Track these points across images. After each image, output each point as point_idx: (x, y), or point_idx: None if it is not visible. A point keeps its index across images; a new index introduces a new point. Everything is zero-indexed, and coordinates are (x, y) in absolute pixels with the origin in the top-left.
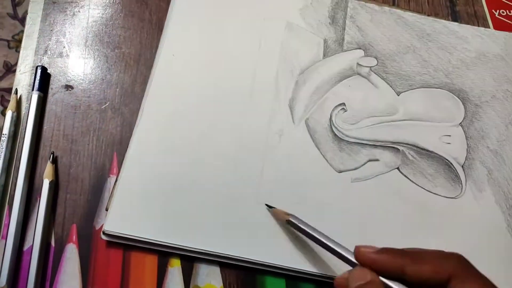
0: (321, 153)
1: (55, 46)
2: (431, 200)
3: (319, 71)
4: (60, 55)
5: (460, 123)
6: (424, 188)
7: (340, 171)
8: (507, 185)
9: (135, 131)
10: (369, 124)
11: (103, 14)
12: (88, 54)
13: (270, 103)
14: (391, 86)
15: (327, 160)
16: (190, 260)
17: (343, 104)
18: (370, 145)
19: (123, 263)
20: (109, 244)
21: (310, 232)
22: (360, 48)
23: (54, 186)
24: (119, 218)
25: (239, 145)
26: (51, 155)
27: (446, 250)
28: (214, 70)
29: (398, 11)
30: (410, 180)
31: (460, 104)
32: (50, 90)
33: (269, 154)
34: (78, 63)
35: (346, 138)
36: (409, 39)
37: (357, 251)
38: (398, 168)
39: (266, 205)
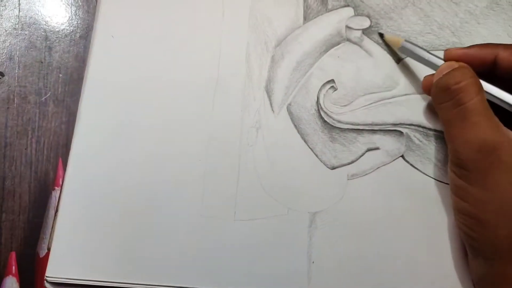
0: (308, 147)
1: None
2: (443, 192)
3: (299, 40)
4: None
5: None
6: (435, 178)
7: (334, 167)
8: None
9: (73, 143)
10: (365, 103)
11: None
12: (21, 30)
13: (241, 89)
14: (388, 53)
15: (316, 155)
16: None
17: (332, 81)
18: (367, 130)
19: None
20: None
21: (424, 56)
22: (348, 6)
23: None
24: (63, 260)
25: (205, 149)
26: None
27: None
28: (166, 53)
29: None
30: (417, 169)
31: None
32: None
33: (245, 155)
34: (8, 41)
35: (338, 125)
36: None
37: (447, 52)
38: (402, 156)
39: (379, 33)
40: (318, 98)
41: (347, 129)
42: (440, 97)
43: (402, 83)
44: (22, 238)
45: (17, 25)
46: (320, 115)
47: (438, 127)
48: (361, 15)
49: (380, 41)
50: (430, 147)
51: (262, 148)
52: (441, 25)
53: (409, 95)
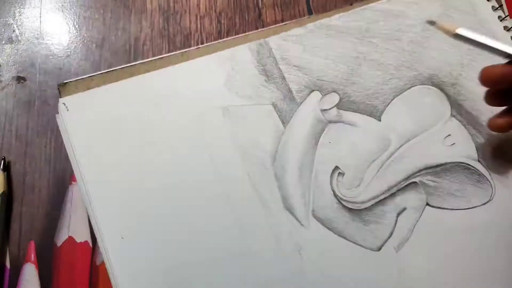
0: (350, 241)
1: (3, 29)
2: (475, 217)
3: (290, 145)
4: (10, 40)
5: (451, 113)
6: (462, 209)
7: (379, 248)
8: None
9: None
10: (374, 173)
11: None
12: (42, 39)
13: (264, 222)
14: (367, 115)
15: (361, 245)
16: None
17: (337, 167)
18: (388, 196)
19: (90, 285)
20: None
21: (481, 41)
22: (313, 90)
23: (7, 198)
24: None
25: None
26: (2, 161)
27: None
28: (187, 220)
29: (322, 20)
30: (445, 209)
31: (439, 92)
32: None
33: (300, 281)
34: (31, 49)
35: (363, 206)
36: (353, 47)
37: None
38: (427, 204)
39: (429, 21)
40: (333, 191)
41: (372, 205)
42: None
43: (393, 137)
44: (40, 229)
45: (38, 35)
46: (343, 206)
47: (441, 160)
48: (328, 92)
49: (355, 108)
50: (445, 182)
51: (313, 266)
52: (396, 65)
53: (404, 145)
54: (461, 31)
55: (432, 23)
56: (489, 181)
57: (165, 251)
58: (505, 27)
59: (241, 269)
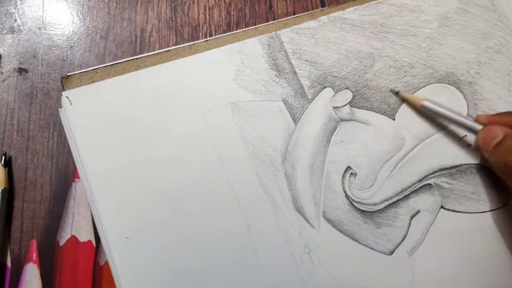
0: (361, 244)
1: (4, 19)
2: (492, 221)
3: (300, 144)
4: (11, 30)
5: (467, 113)
6: (478, 212)
7: (391, 252)
8: None
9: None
10: (387, 174)
11: None
12: (45, 29)
13: (274, 223)
14: (381, 113)
15: (372, 248)
16: None
17: (349, 168)
18: (401, 198)
19: (93, 286)
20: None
21: (445, 112)
22: (325, 87)
23: (8, 195)
24: None
25: None
26: (3, 156)
27: None
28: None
29: (336, 13)
30: (460, 212)
31: (456, 91)
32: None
33: (309, 284)
34: (33, 40)
35: (375, 208)
36: (367, 42)
37: (478, 117)
38: (442, 207)
39: (391, 91)
40: (345, 191)
41: (385, 207)
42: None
43: (407, 136)
44: (43, 227)
45: (40, 25)
46: (355, 208)
47: (456, 161)
48: (341, 89)
49: (369, 105)
50: (460, 185)
51: (322, 269)
52: (411, 62)
53: (419, 145)
54: (426, 103)
55: (395, 93)
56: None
57: (171, 252)
58: None
59: (248, 270)
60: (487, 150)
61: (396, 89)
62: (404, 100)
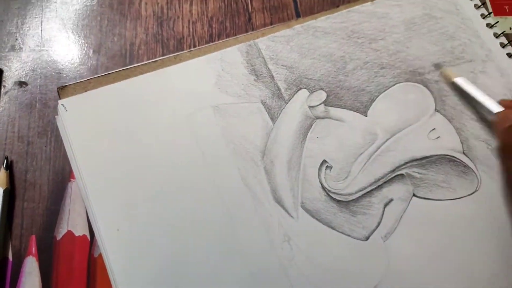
0: (338, 232)
1: (6, 38)
2: (461, 207)
3: (278, 141)
4: (13, 48)
5: (435, 108)
6: (448, 199)
7: (367, 238)
8: None
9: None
10: (361, 166)
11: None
12: (43, 46)
13: (255, 213)
14: (354, 111)
15: (349, 235)
16: None
17: (324, 161)
18: (374, 188)
19: (88, 278)
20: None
21: (472, 90)
22: (301, 88)
23: (9, 195)
24: None
25: (252, 284)
26: (5, 160)
27: None
28: (177, 209)
29: (309, 22)
30: (431, 199)
31: (423, 88)
32: (2, 88)
33: (291, 271)
34: (32, 56)
35: (350, 197)
36: (339, 47)
37: (501, 101)
38: (414, 195)
39: (435, 64)
40: (321, 183)
41: (359, 197)
42: None
43: (379, 131)
44: (41, 224)
45: (39, 43)
46: (331, 198)
47: (426, 152)
48: (315, 90)
49: (342, 104)
50: (431, 174)
51: (301, 256)
52: (381, 64)
53: (390, 138)
54: (458, 80)
55: (438, 66)
56: (475, 172)
57: (158, 242)
58: (487, 24)
59: (231, 259)
60: (500, 130)
61: (441, 64)
62: (441, 73)
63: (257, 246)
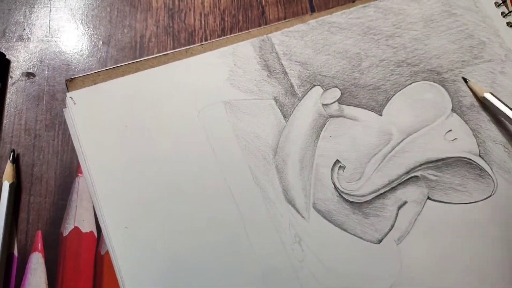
0: (350, 234)
1: (14, 28)
2: (477, 211)
3: (291, 139)
4: (20, 38)
5: (452, 109)
6: (463, 203)
7: (379, 241)
8: None
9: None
10: (375, 167)
11: None
12: (51, 37)
13: (266, 213)
14: (369, 109)
15: (361, 238)
16: None
17: (337, 161)
18: (388, 190)
19: (94, 274)
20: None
21: (502, 108)
22: (314, 85)
23: (16, 189)
24: None
25: (263, 285)
26: (12, 153)
27: None
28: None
29: (324, 17)
30: (446, 203)
31: (440, 88)
32: (9, 79)
33: (301, 273)
34: (40, 47)
35: (363, 199)
36: (355, 44)
37: None
38: (429, 198)
39: (463, 78)
40: (334, 184)
41: (372, 198)
42: None
43: (394, 131)
44: (47, 219)
45: (47, 33)
46: (344, 199)
47: (442, 155)
48: (329, 88)
49: (357, 102)
50: (446, 177)
51: (312, 257)
52: (398, 61)
53: (406, 139)
54: (488, 96)
55: (465, 80)
56: (491, 176)
57: (167, 240)
58: (508, 23)
59: (242, 259)
60: None
61: (464, 76)
62: (469, 88)
63: (268, 246)
